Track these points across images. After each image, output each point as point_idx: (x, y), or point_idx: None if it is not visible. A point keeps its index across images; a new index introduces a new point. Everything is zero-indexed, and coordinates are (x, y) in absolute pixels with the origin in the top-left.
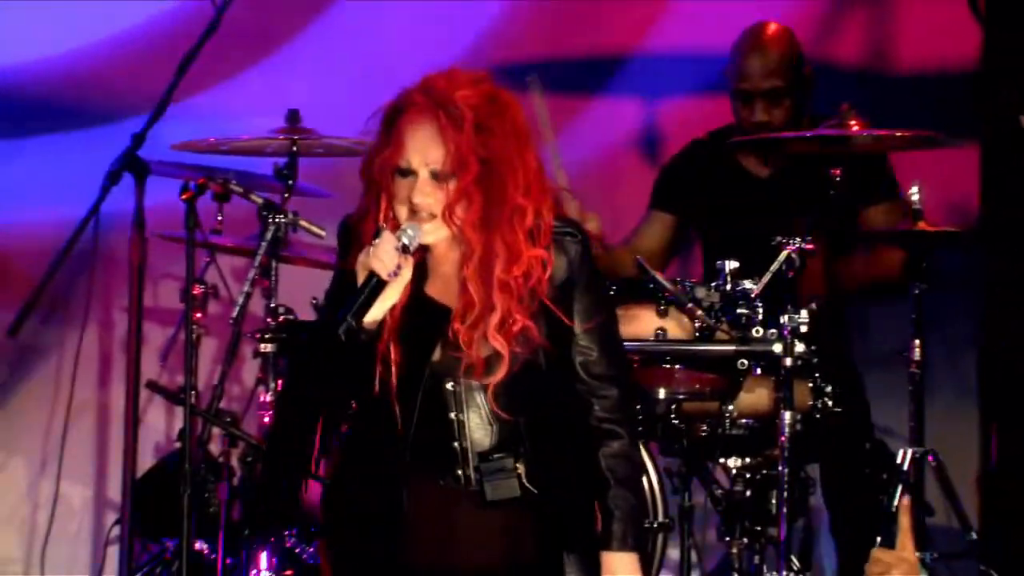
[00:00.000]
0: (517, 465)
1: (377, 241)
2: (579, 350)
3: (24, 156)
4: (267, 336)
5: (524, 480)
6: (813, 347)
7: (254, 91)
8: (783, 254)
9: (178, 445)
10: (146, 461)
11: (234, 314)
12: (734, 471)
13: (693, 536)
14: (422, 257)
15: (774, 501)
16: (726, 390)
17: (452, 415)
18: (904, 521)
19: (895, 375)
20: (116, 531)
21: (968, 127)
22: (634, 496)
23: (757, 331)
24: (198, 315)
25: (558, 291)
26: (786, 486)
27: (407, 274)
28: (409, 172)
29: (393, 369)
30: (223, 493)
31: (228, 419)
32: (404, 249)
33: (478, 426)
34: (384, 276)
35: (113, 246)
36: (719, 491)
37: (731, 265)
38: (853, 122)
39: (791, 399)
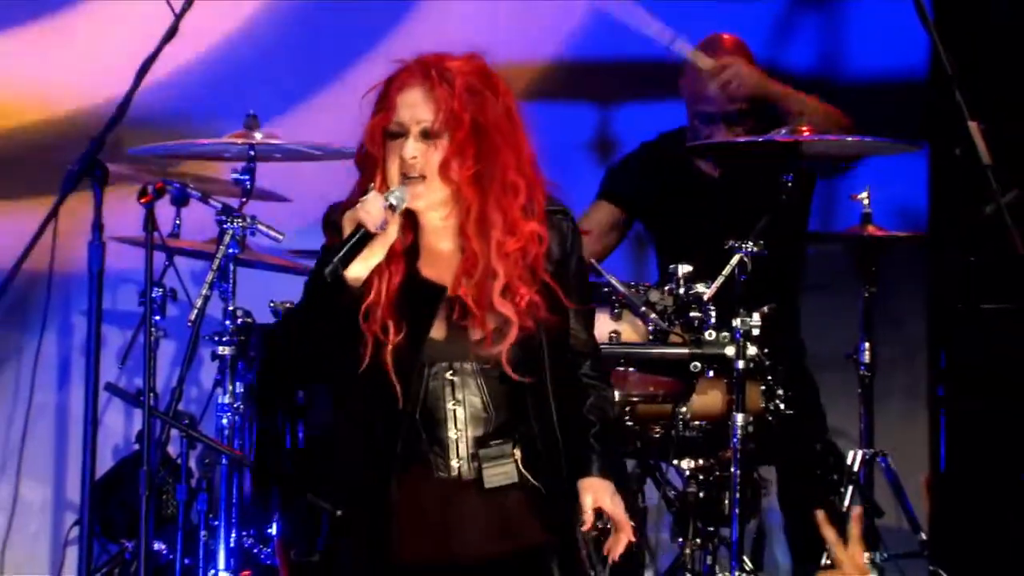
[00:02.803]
0: (515, 451)
1: (365, 198)
2: (571, 329)
3: None
4: (225, 339)
5: (520, 465)
6: (766, 350)
7: (214, 95)
8: (736, 258)
9: (136, 447)
10: (105, 463)
11: (192, 317)
12: (687, 472)
13: (646, 536)
14: (414, 238)
15: (727, 502)
16: (679, 393)
17: (449, 405)
18: (855, 529)
19: (845, 377)
20: (75, 532)
21: (917, 132)
22: (613, 438)
23: (710, 334)
24: (157, 318)
25: (555, 268)
26: (738, 487)
27: (393, 231)
28: (400, 133)
29: (389, 349)
30: (181, 494)
31: (186, 421)
32: (391, 208)
33: (474, 414)
34: (371, 228)
35: (71, 249)
36: (672, 492)
37: (684, 269)
38: (804, 128)
39: (743, 401)
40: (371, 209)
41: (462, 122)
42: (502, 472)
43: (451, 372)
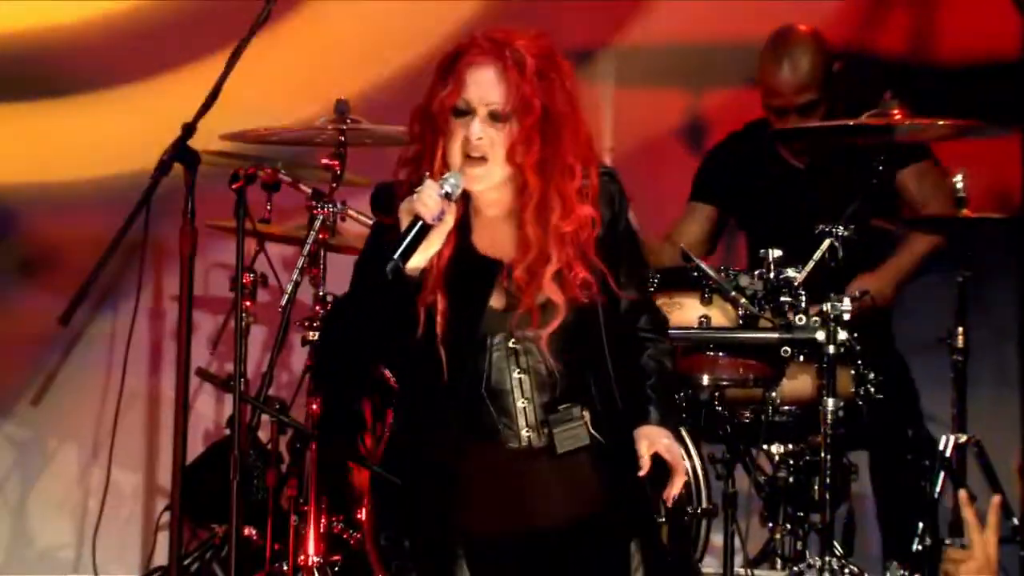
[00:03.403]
0: (584, 413)
1: (420, 188)
2: (623, 289)
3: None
4: (315, 324)
5: (590, 428)
6: (856, 335)
7: (302, 81)
8: (826, 242)
9: (227, 432)
10: (196, 448)
11: (283, 302)
12: (777, 457)
13: (736, 522)
14: (464, 211)
15: (817, 487)
16: (769, 377)
17: (515, 374)
18: (992, 517)
19: (938, 362)
20: (166, 517)
21: (1011, 115)
22: (670, 388)
23: (800, 319)
24: (247, 303)
25: (604, 231)
26: (828, 472)
27: (450, 220)
28: (466, 111)
29: (440, 321)
30: (271, 480)
31: (277, 406)
32: (447, 196)
33: (539, 381)
34: (428, 220)
35: (164, 235)
36: (762, 477)
37: (775, 253)
38: (895, 111)
39: (834, 386)
40: (427, 200)
41: (532, 108)
42: (573, 436)
43: (513, 341)
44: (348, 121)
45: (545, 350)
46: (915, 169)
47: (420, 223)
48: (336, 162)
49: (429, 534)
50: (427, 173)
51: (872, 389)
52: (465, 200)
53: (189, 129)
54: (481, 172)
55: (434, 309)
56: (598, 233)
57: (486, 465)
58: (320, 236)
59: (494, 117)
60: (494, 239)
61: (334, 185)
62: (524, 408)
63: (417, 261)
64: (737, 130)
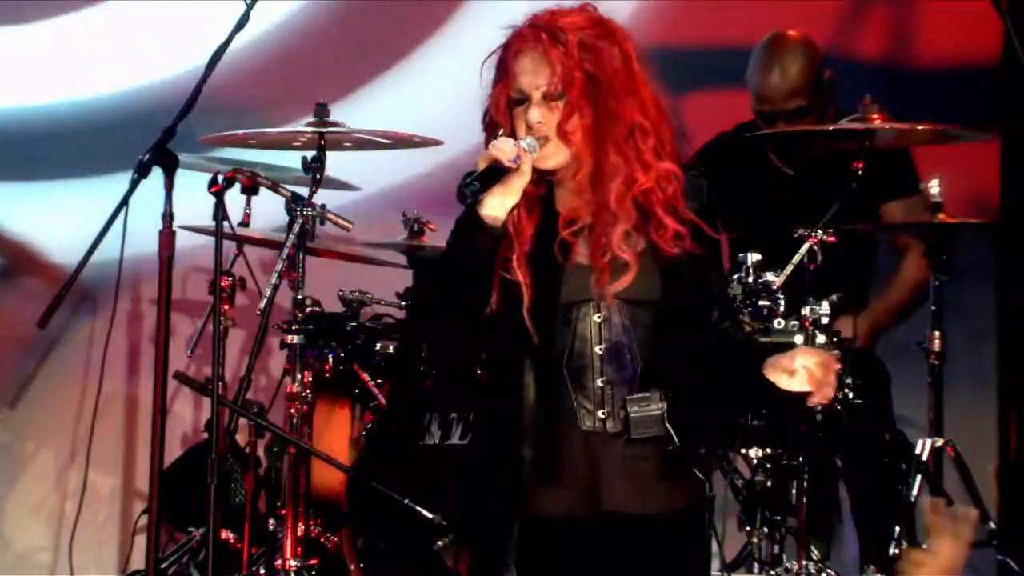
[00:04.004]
0: (662, 404)
1: (496, 140)
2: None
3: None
4: (294, 328)
5: (666, 422)
6: (835, 339)
7: (282, 85)
8: (805, 246)
9: (205, 435)
10: (173, 451)
11: (261, 306)
12: (755, 461)
13: (714, 526)
14: (547, 190)
15: (794, 491)
16: None
17: (596, 350)
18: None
19: (915, 366)
20: (143, 521)
21: (989, 120)
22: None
23: (779, 323)
24: (226, 307)
25: (696, 211)
26: (806, 476)
27: (527, 170)
28: (522, 100)
29: (526, 292)
30: (249, 483)
31: (255, 410)
32: (524, 150)
33: (620, 360)
34: (505, 162)
35: (142, 238)
36: (740, 481)
37: (753, 257)
38: (875, 116)
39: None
40: (503, 146)
41: (574, 80)
42: (649, 421)
43: (598, 314)
44: (327, 124)
45: (628, 323)
46: (903, 204)
47: (497, 165)
48: (315, 165)
49: (487, 513)
50: (502, 131)
51: (851, 393)
52: (549, 189)
53: (168, 132)
54: (548, 151)
55: (519, 283)
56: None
57: (558, 446)
58: (299, 239)
59: (547, 98)
60: (576, 205)
61: (313, 188)
62: (603, 388)
63: (495, 207)
64: (727, 131)
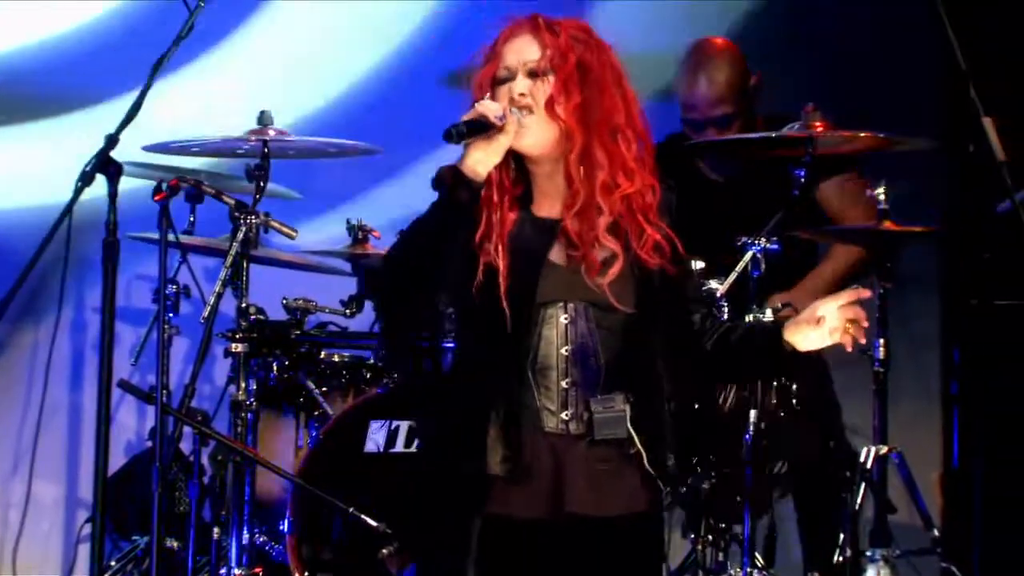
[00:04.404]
0: (625, 407)
1: (483, 100)
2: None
3: None
4: (238, 336)
5: (629, 424)
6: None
7: (225, 93)
8: (748, 254)
9: (149, 444)
10: (118, 460)
11: (205, 314)
12: (699, 469)
13: (664, 538)
14: (526, 187)
15: (739, 499)
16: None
17: (563, 351)
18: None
19: (859, 374)
20: (87, 529)
21: (933, 128)
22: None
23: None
24: (170, 315)
25: (669, 225)
26: (751, 484)
27: (511, 130)
28: (508, 77)
29: (502, 280)
30: (193, 492)
31: (199, 418)
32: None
33: (585, 362)
34: (492, 118)
35: (86, 246)
36: (684, 489)
37: (697, 266)
38: (817, 124)
39: (756, 398)
40: (489, 105)
41: (567, 60)
42: (613, 423)
43: (565, 315)
44: (271, 132)
45: (594, 325)
46: (837, 181)
47: (482, 120)
48: (259, 173)
49: (448, 512)
50: (488, 96)
51: (795, 401)
52: (526, 178)
53: (111, 140)
54: (531, 122)
55: (496, 269)
56: (658, 210)
57: (522, 447)
58: (243, 247)
59: (534, 74)
60: (553, 206)
61: (257, 196)
62: (567, 390)
63: (477, 160)
64: (659, 141)
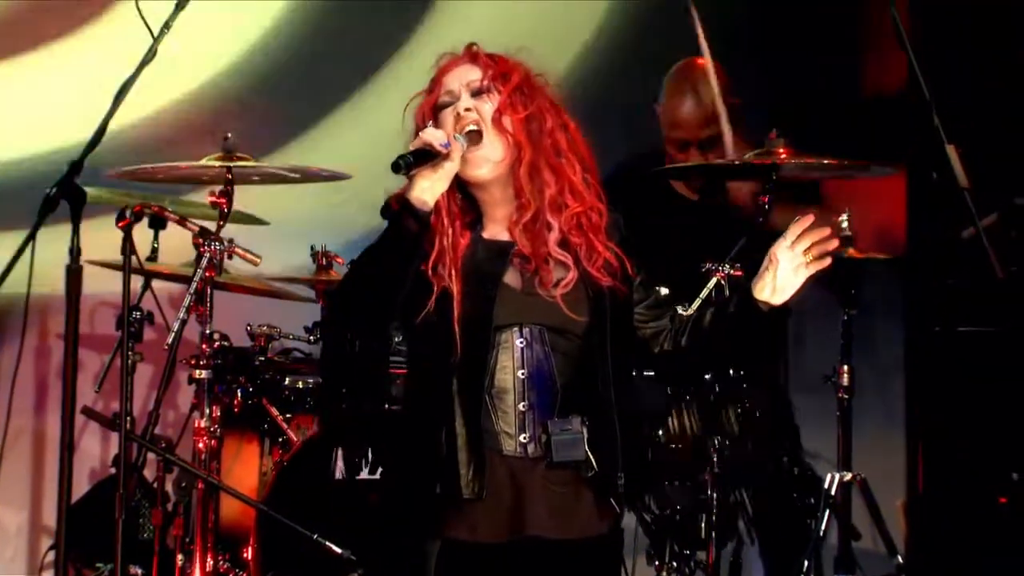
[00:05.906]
0: (582, 429)
1: (427, 128)
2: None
3: None
4: (202, 362)
5: (586, 446)
6: (742, 372)
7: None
8: (713, 280)
9: (113, 471)
10: (81, 487)
11: (169, 340)
12: (664, 496)
13: (623, 560)
14: (477, 214)
15: (703, 525)
16: (656, 415)
17: (519, 374)
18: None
19: (823, 400)
20: (51, 556)
21: (895, 154)
22: None
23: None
24: (133, 342)
25: (618, 244)
26: (715, 510)
27: (456, 158)
28: (450, 102)
29: (456, 304)
30: (157, 518)
31: (163, 445)
32: (454, 139)
33: (542, 385)
34: (436, 146)
35: (49, 273)
36: (649, 515)
37: (662, 291)
38: (781, 150)
39: (720, 424)
40: (434, 131)
41: (510, 78)
42: (571, 446)
43: (520, 338)
44: (235, 159)
45: (549, 348)
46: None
47: (427, 149)
48: (223, 200)
49: (407, 536)
50: (431, 123)
51: (756, 427)
52: (476, 207)
53: (75, 166)
54: (483, 147)
55: (450, 293)
56: (606, 232)
57: (480, 470)
58: (207, 274)
59: (477, 92)
60: (504, 231)
61: (221, 223)
62: (524, 413)
63: (424, 190)
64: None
